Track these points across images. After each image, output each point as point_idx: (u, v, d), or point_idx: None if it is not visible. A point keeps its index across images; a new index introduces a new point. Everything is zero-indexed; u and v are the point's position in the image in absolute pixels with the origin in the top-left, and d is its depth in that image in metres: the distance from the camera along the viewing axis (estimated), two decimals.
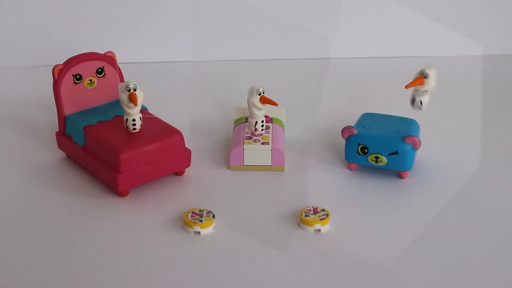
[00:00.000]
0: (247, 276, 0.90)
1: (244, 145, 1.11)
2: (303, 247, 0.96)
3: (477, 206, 1.04)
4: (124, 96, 1.04)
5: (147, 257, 0.94)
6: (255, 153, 1.12)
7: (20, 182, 1.10)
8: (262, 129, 1.14)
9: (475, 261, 0.93)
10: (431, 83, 1.06)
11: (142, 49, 1.54)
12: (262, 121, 1.14)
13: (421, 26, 1.56)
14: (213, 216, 0.99)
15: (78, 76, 1.12)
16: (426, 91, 1.07)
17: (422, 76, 1.06)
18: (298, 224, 0.99)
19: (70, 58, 1.12)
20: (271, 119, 1.19)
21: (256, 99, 1.12)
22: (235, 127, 1.18)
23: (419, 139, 1.08)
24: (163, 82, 1.47)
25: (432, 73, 1.06)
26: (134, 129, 1.06)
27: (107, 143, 1.05)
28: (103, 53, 1.14)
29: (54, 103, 1.12)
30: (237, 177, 1.11)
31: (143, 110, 1.09)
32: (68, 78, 1.11)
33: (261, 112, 1.13)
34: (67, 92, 1.12)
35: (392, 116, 1.15)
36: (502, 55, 1.59)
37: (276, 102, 1.11)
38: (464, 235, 0.98)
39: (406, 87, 1.06)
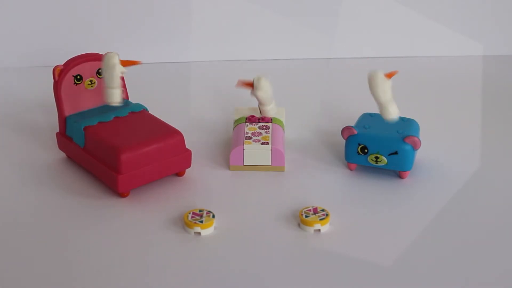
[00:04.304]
0: (247, 277, 0.91)
1: (244, 145, 1.11)
2: (303, 247, 0.96)
3: (477, 206, 1.04)
4: None
5: (148, 258, 0.94)
6: (255, 153, 1.12)
7: (20, 183, 1.10)
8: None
9: (475, 260, 0.93)
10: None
11: (142, 50, 1.54)
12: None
13: (421, 26, 1.56)
14: (213, 216, 0.99)
15: (78, 77, 1.12)
16: None
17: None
18: (299, 225, 1.00)
19: (70, 59, 1.12)
20: (271, 119, 1.19)
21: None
22: (235, 127, 1.18)
23: (419, 139, 1.08)
24: (164, 82, 1.47)
25: None
26: None
27: (108, 144, 1.05)
28: (103, 53, 1.14)
29: (55, 104, 1.13)
30: (237, 177, 1.12)
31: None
32: (68, 79, 1.11)
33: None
34: (68, 92, 1.12)
35: None
36: (502, 56, 1.59)
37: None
38: (464, 235, 0.98)
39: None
